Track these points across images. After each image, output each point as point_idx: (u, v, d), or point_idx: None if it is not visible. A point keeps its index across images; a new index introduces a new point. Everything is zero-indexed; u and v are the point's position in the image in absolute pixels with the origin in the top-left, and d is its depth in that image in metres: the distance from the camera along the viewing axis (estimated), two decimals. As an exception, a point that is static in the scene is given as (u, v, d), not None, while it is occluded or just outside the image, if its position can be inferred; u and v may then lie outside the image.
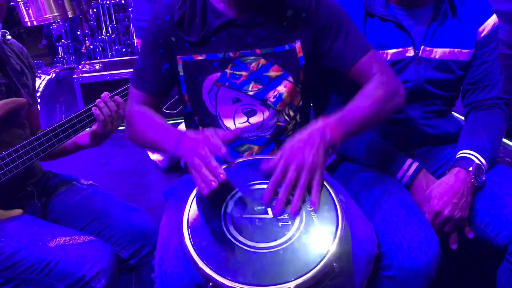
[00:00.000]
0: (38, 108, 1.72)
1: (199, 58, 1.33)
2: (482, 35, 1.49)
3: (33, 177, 1.57)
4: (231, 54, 1.32)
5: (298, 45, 1.33)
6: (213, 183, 1.07)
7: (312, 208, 1.12)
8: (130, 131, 1.39)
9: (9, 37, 1.55)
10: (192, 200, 1.16)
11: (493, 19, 1.50)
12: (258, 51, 1.32)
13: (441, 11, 1.46)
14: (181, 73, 1.36)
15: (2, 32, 1.53)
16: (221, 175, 1.08)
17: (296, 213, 1.11)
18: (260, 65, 1.33)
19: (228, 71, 1.33)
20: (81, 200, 1.55)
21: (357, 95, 1.30)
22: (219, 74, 1.33)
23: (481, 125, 1.49)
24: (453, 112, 1.63)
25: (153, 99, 1.40)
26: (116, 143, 2.93)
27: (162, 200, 1.51)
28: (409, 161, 1.43)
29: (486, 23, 1.49)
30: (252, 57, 1.32)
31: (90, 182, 1.65)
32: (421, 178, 1.41)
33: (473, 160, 1.39)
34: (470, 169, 1.37)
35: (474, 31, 1.49)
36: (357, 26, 1.40)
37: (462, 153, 1.42)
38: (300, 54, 1.34)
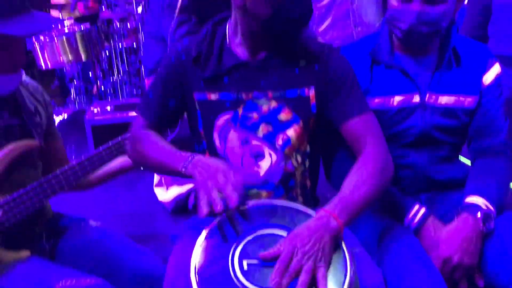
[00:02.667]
0: (61, 144, 1.72)
1: (213, 97, 1.37)
2: (486, 83, 1.51)
3: (42, 218, 1.58)
4: (243, 95, 1.36)
5: (311, 92, 1.37)
6: (219, 207, 1.09)
7: None
8: (135, 152, 1.41)
9: (24, 77, 1.59)
10: (200, 245, 1.16)
11: (496, 68, 1.53)
12: (270, 94, 1.36)
13: (445, 59, 1.49)
14: (198, 109, 1.40)
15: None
16: (233, 202, 1.10)
17: None
18: (271, 107, 1.36)
19: (240, 111, 1.36)
20: (90, 241, 1.54)
21: (353, 174, 1.29)
22: (231, 114, 1.37)
23: (488, 171, 1.49)
24: (460, 157, 1.64)
25: (156, 130, 1.43)
26: (124, 185, 2.94)
27: (169, 242, 1.51)
28: (416, 206, 1.43)
29: (489, 72, 1.52)
30: (264, 99, 1.36)
31: (99, 223, 1.65)
32: (429, 224, 1.40)
33: (480, 206, 1.38)
34: (478, 215, 1.36)
35: (478, 80, 1.51)
36: (362, 73, 1.44)
37: (469, 199, 1.42)
38: (313, 102, 1.37)
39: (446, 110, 1.50)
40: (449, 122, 1.51)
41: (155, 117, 1.43)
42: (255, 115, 1.36)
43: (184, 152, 1.29)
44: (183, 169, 1.24)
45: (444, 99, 1.50)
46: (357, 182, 1.26)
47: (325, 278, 1.08)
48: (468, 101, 1.51)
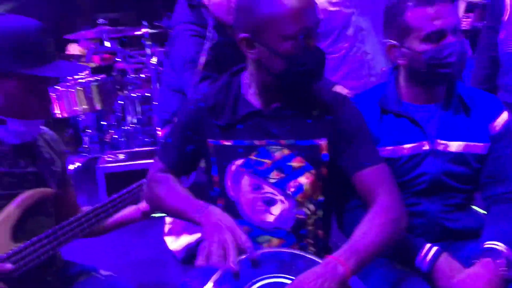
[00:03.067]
0: (73, 192, 1.74)
1: (226, 143, 1.40)
2: (495, 130, 1.53)
3: (53, 266, 1.57)
4: (256, 142, 1.39)
5: (323, 142, 1.39)
6: (213, 261, 1.14)
7: None
8: (151, 196, 1.46)
9: (42, 127, 1.62)
10: None
11: (505, 115, 1.54)
12: (282, 141, 1.38)
13: (452, 105, 1.52)
14: (213, 155, 1.43)
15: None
16: (233, 265, 1.13)
17: None
18: (283, 154, 1.38)
19: (252, 157, 1.39)
20: (100, 291, 1.53)
21: (364, 222, 1.30)
22: (243, 160, 1.39)
23: (505, 218, 1.47)
24: (473, 206, 1.62)
25: (174, 174, 1.47)
26: (135, 232, 2.92)
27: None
28: (427, 245, 1.40)
29: (498, 120, 1.53)
30: (277, 147, 1.38)
31: (110, 273, 1.64)
32: (443, 262, 1.37)
33: (502, 251, 1.36)
34: (499, 260, 1.34)
35: (487, 126, 1.53)
36: (371, 122, 1.46)
37: (489, 244, 1.39)
38: (324, 151, 1.39)
39: (457, 157, 1.51)
40: (460, 168, 1.52)
41: (173, 162, 1.47)
42: (267, 161, 1.38)
43: (199, 201, 1.33)
44: (195, 217, 1.29)
45: (454, 146, 1.51)
46: (367, 230, 1.26)
47: None
48: (478, 147, 1.52)
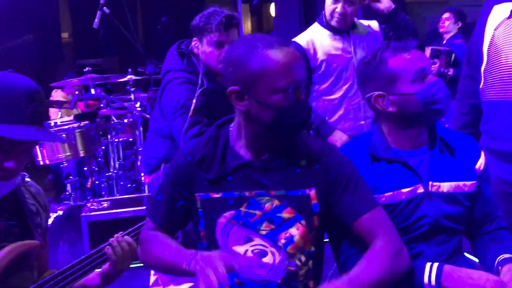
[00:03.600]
0: (47, 249, 1.71)
1: (216, 196, 1.39)
2: (479, 170, 1.58)
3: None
4: (246, 194, 1.38)
5: (312, 192, 1.39)
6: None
7: None
8: (145, 256, 1.45)
9: (28, 179, 1.60)
10: None
11: (483, 155, 1.61)
12: (272, 192, 1.38)
13: (437, 148, 1.56)
14: (200, 209, 1.41)
15: (22, 174, 1.58)
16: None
17: None
18: (274, 205, 1.38)
19: (242, 209, 1.38)
20: None
21: (362, 260, 1.32)
22: (233, 212, 1.38)
23: (502, 239, 1.54)
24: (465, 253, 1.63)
25: (165, 232, 1.46)
26: (118, 283, 2.84)
27: None
28: (427, 264, 1.40)
29: (480, 159, 1.60)
30: (267, 198, 1.38)
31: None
32: (448, 271, 1.37)
33: None
34: None
35: (473, 165, 1.58)
36: (364, 170, 1.48)
37: (504, 256, 1.44)
38: (315, 201, 1.39)
39: (449, 197, 1.54)
40: (454, 208, 1.54)
41: (163, 219, 1.45)
42: (258, 213, 1.37)
43: (189, 251, 1.32)
44: (187, 267, 1.28)
45: (446, 186, 1.54)
46: (365, 267, 1.30)
47: None
48: (467, 185, 1.56)
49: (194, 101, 2.26)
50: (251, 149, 1.40)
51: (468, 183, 1.55)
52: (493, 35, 1.88)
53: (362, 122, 2.69)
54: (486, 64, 1.91)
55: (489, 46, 1.90)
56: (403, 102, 1.51)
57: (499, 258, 1.45)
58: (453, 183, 1.54)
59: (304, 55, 2.58)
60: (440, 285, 1.37)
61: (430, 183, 1.53)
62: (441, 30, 4.75)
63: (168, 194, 1.44)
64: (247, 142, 1.40)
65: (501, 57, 1.84)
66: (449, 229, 1.54)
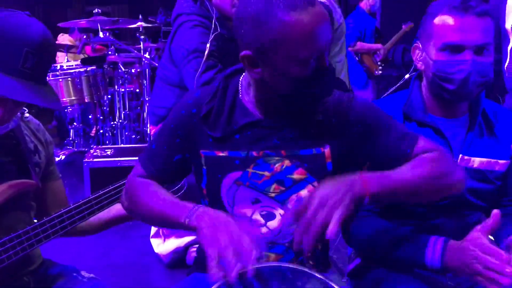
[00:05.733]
0: (60, 184, 1.64)
1: (221, 154, 1.28)
2: None
3: (31, 265, 1.47)
4: (254, 153, 1.27)
5: (327, 150, 1.28)
6: (234, 272, 1.01)
7: None
8: (130, 202, 1.32)
9: (27, 114, 1.52)
10: None
11: None
12: (283, 152, 1.27)
13: (476, 122, 1.46)
14: (204, 167, 1.31)
15: (21, 110, 1.50)
16: (233, 278, 1.02)
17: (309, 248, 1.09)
18: (284, 166, 1.27)
19: (250, 170, 1.27)
20: (81, 294, 1.44)
21: (407, 163, 1.23)
22: (240, 172, 1.27)
23: None
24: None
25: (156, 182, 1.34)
26: (118, 233, 2.84)
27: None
28: (432, 238, 1.30)
29: None
30: (276, 158, 1.27)
31: (92, 275, 1.54)
32: (453, 247, 1.26)
33: None
34: None
35: (509, 144, 1.48)
36: None
37: None
38: (329, 160, 1.28)
39: (479, 173, 1.46)
40: (482, 185, 1.46)
41: (157, 170, 1.33)
42: (266, 174, 1.27)
43: (187, 203, 1.19)
44: (186, 221, 1.15)
45: (477, 162, 1.45)
46: (403, 167, 1.22)
47: (339, 217, 1.06)
48: (499, 164, 1.47)
49: (207, 45, 2.15)
50: (262, 107, 1.28)
51: (501, 161, 1.47)
52: None
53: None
54: None
55: None
56: (426, 63, 1.42)
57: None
58: (485, 160, 1.45)
59: (329, 14, 2.48)
60: (444, 263, 1.27)
61: (461, 156, 1.44)
62: None
63: (166, 145, 1.32)
64: (258, 101, 1.28)
65: None
66: (473, 204, 1.46)
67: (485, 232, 1.20)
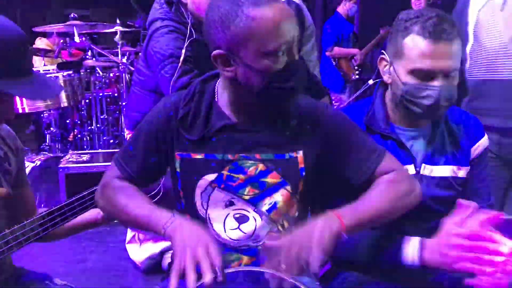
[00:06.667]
0: (30, 192, 1.62)
1: (197, 156, 1.30)
2: (475, 154, 1.51)
3: (1, 274, 1.45)
4: (229, 156, 1.29)
5: (300, 155, 1.31)
6: (191, 283, 1.05)
7: None
8: (107, 203, 1.32)
9: (-3, 122, 1.51)
10: None
11: (485, 140, 1.53)
12: (257, 156, 1.29)
13: (438, 130, 1.48)
14: (178, 170, 1.32)
15: None
16: (208, 279, 1.05)
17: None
18: (258, 170, 1.29)
19: (225, 172, 1.29)
20: (54, 303, 1.43)
21: (370, 189, 1.27)
22: (215, 175, 1.30)
23: None
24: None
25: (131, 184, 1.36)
26: (93, 239, 2.83)
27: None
28: (407, 238, 1.32)
29: (478, 143, 1.52)
30: (251, 161, 1.29)
31: (65, 283, 1.53)
32: (429, 243, 1.28)
33: None
34: None
35: (469, 150, 1.51)
36: None
37: None
38: (302, 165, 1.31)
39: (441, 181, 1.48)
40: (445, 193, 1.49)
41: (133, 172, 1.35)
42: (241, 177, 1.29)
43: (165, 211, 1.21)
44: (163, 231, 1.17)
45: (439, 170, 1.48)
46: (370, 196, 1.25)
47: (318, 262, 1.09)
48: (462, 171, 1.50)
49: (183, 51, 2.17)
50: (237, 110, 1.31)
51: (463, 168, 1.49)
52: (478, 16, 1.99)
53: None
54: (472, 45, 2.03)
55: (474, 27, 2.00)
56: (394, 81, 1.43)
57: None
58: (448, 167, 1.48)
59: (299, 11, 2.50)
60: (422, 260, 1.29)
61: (423, 165, 1.47)
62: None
63: (143, 147, 1.34)
64: (234, 104, 1.30)
65: (487, 38, 1.97)
66: (437, 211, 1.47)
67: (455, 222, 1.22)
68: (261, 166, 1.29)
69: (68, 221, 1.48)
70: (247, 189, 1.30)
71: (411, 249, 1.29)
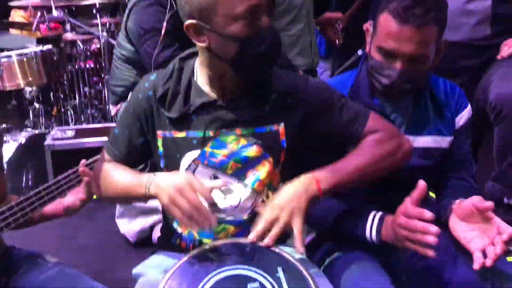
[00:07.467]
0: (4, 177, 1.64)
1: (179, 135, 1.32)
2: (459, 125, 1.54)
3: (-7, 253, 1.48)
4: (211, 133, 1.31)
5: (281, 128, 1.33)
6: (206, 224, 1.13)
7: None
8: (100, 188, 1.38)
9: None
10: (164, 287, 1.11)
11: (468, 111, 1.56)
12: (238, 131, 1.32)
13: (421, 101, 1.50)
14: (160, 149, 1.34)
15: None
16: (212, 221, 1.13)
17: (269, 244, 1.19)
18: (240, 144, 1.32)
19: (207, 149, 1.32)
20: (46, 280, 1.45)
21: (354, 150, 1.30)
22: (198, 152, 1.32)
23: (466, 190, 1.50)
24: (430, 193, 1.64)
25: None
26: (84, 214, 2.82)
27: (131, 276, 1.44)
28: (371, 215, 1.36)
29: (462, 114, 1.55)
30: (232, 137, 1.32)
31: (56, 259, 1.56)
32: (388, 221, 1.32)
33: None
34: None
35: (453, 120, 1.54)
36: None
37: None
38: (283, 137, 1.34)
39: (423, 151, 1.51)
40: (425, 162, 1.52)
41: (122, 154, 1.39)
42: (223, 152, 1.32)
43: (146, 174, 1.26)
44: (147, 191, 1.22)
45: (421, 141, 1.51)
46: (352, 155, 1.29)
47: (300, 226, 1.18)
48: (444, 141, 1.53)
49: (164, 24, 2.14)
50: (217, 86, 1.32)
51: (446, 138, 1.52)
52: None
53: (311, 58, 2.80)
54: None
55: None
56: (369, 52, 1.45)
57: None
58: (431, 138, 1.51)
59: None
60: (380, 238, 1.34)
61: (406, 136, 1.47)
62: None
63: (128, 129, 1.37)
64: (212, 80, 1.32)
65: None
66: (417, 180, 1.50)
67: (412, 202, 1.24)
68: (242, 141, 1.32)
69: (54, 200, 1.50)
70: (230, 164, 1.32)
71: (370, 224, 1.34)
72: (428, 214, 1.19)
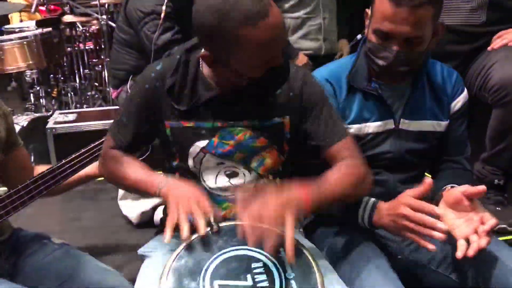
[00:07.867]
0: (24, 152, 1.66)
1: (188, 125, 1.36)
2: (454, 109, 1.57)
3: (1, 235, 1.51)
4: (219, 124, 1.35)
5: (286, 120, 1.38)
6: (185, 235, 1.14)
7: (292, 276, 1.12)
8: (109, 173, 1.42)
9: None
10: (169, 267, 1.14)
11: (464, 95, 1.58)
12: (245, 122, 1.36)
13: (419, 85, 1.52)
14: (170, 136, 1.39)
15: None
16: (201, 231, 1.14)
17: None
18: (247, 136, 1.36)
19: (215, 139, 1.36)
20: (52, 260, 1.49)
21: (333, 172, 1.31)
22: (206, 141, 1.36)
23: (461, 176, 1.54)
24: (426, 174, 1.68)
25: (127, 153, 1.44)
26: (87, 197, 2.88)
27: (135, 257, 1.49)
28: (364, 201, 1.39)
29: (458, 98, 1.57)
30: (239, 128, 1.36)
31: (62, 241, 1.60)
32: (381, 207, 1.35)
33: None
34: None
35: (449, 105, 1.56)
36: (341, 98, 1.48)
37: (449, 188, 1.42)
38: (287, 129, 1.39)
39: (419, 135, 1.54)
40: (421, 146, 1.55)
41: (127, 141, 1.42)
42: (230, 143, 1.36)
43: (158, 175, 1.31)
44: (158, 191, 1.27)
45: (417, 125, 1.53)
46: (335, 177, 1.29)
47: (292, 244, 1.08)
48: (440, 125, 1.55)
49: (163, 7, 2.15)
50: (222, 84, 1.34)
51: (442, 122, 1.55)
52: None
53: (321, 42, 2.75)
54: None
55: None
56: (366, 35, 1.46)
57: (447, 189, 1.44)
58: (427, 122, 1.53)
59: None
60: (372, 223, 1.37)
61: (402, 120, 1.52)
62: None
63: (135, 117, 1.39)
64: (217, 82, 1.34)
65: None
66: (413, 163, 1.56)
67: (414, 195, 1.26)
68: (249, 132, 1.36)
69: (68, 178, 1.54)
70: (237, 153, 1.37)
71: (362, 209, 1.37)
72: (436, 211, 1.22)
